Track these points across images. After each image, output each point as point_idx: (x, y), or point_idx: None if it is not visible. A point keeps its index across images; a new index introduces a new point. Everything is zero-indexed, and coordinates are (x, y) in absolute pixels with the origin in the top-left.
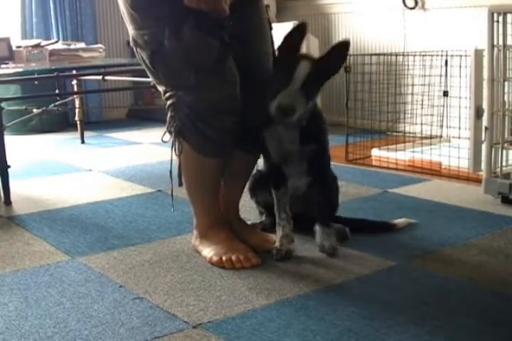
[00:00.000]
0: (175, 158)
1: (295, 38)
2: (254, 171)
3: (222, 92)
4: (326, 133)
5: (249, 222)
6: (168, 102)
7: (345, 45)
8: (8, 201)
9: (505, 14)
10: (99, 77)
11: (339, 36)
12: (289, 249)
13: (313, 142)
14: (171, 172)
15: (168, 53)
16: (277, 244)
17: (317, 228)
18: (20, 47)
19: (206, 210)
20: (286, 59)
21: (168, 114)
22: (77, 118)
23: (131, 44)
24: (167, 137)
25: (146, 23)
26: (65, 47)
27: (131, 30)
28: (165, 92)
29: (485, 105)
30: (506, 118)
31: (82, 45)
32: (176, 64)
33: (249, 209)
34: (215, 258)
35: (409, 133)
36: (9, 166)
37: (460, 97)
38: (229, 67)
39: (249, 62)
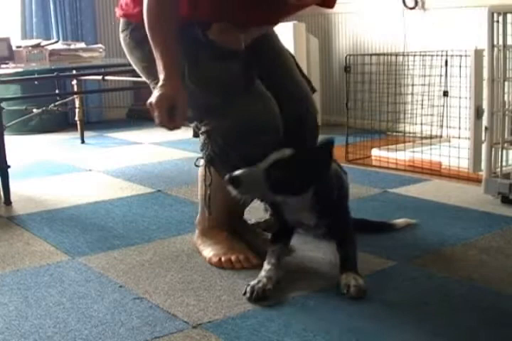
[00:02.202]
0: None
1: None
2: None
3: (257, 106)
4: (344, 204)
5: (253, 220)
6: (203, 128)
7: (329, 144)
8: (8, 201)
9: (505, 14)
10: (99, 77)
11: (339, 36)
12: (266, 288)
13: (330, 216)
14: (205, 201)
15: (188, 90)
16: (253, 282)
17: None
18: (20, 47)
19: (216, 213)
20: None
21: (202, 140)
22: (77, 118)
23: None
24: (201, 162)
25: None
26: (65, 47)
27: (150, 84)
28: (200, 121)
29: (485, 105)
30: (506, 118)
31: (82, 45)
32: (200, 98)
33: (249, 209)
34: (214, 259)
35: (409, 133)
36: (9, 166)
37: (460, 97)
38: (258, 85)
39: (278, 87)
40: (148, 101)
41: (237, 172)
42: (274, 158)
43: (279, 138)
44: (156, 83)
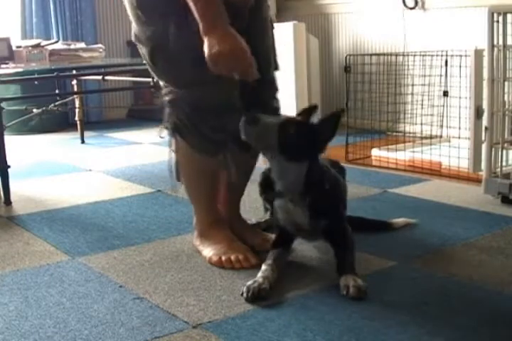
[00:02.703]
0: (173, 154)
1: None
2: (266, 167)
3: (224, 90)
4: (340, 207)
5: (253, 220)
6: (167, 98)
7: (337, 116)
8: (8, 201)
9: (505, 14)
10: (99, 77)
11: (339, 36)
12: (262, 287)
13: (324, 218)
14: (169, 168)
15: (171, 50)
16: (249, 282)
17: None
18: (20, 47)
19: (205, 208)
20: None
21: (166, 110)
22: (77, 118)
23: (133, 39)
24: (164, 133)
25: (150, 19)
26: (65, 47)
27: (134, 26)
28: (164, 87)
29: (485, 105)
30: (506, 118)
31: (82, 45)
32: (178, 60)
33: (249, 209)
34: (214, 259)
35: (409, 133)
36: (9, 166)
37: (460, 97)
38: None
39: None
40: (214, 53)
41: (260, 116)
42: (287, 117)
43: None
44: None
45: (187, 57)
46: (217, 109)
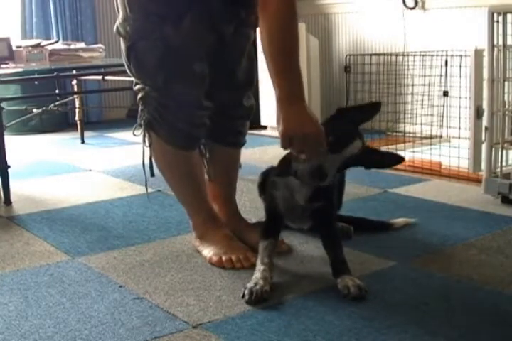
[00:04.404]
0: (147, 150)
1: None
2: (266, 168)
3: (189, 96)
4: (333, 198)
5: (253, 220)
6: (139, 95)
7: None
8: (8, 201)
9: (505, 14)
10: (99, 77)
11: (339, 36)
12: (264, 289)
13: (321, 199)
14: (143, 163)
15: (144, 50)
16: (250, 284)
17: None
18: (20, 47)
19: (194, 208)
20: (345, 125)
21: (139, 108)
22: (77, 118)
23: (114, 30)
24: (138, 131)
25: (134, 15)
26: (65, 47)
27: (118, 19)
28: (135, 84)
29: (485, 105)
30: (506, 118)
31: (82, 45)
32: (148, 62)
33: (249, 209)
34: (214, 259)
35: (409, 133)
36: (9, 166)
37: (460, 97)
38: (201, 71)
39: (231, 58)
40: (296, 133)
41: (323, 162)
42: (349, 154)
43: (209, 113)
44: (123, 20)
45: (159, 60)
46: (186, 107)
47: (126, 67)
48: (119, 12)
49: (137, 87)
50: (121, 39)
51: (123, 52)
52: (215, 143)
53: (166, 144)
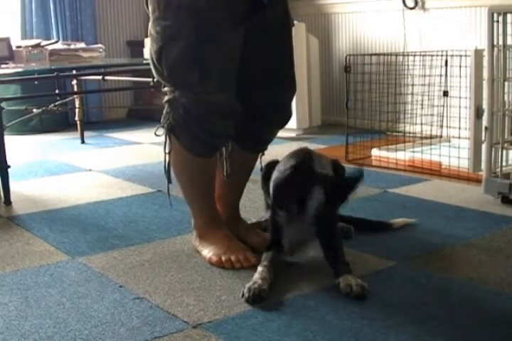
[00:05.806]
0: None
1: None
2: (269, 160)
3: (223, 95)
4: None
5: (253, 220)
6: (166, 97)
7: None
8: (8, 201)
9: (505, 14)
10: (99, 77)
11: (339, 36)
12: (262, 288)
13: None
14: (165, 168)
15: (177, 48)
16: (249, 283)
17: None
18: (20, 47)
19: (201, 209)
20: (299, 177)
21: (165, 109)
22: (77, 118)
23: (148, 34)
24: (160, 132)
25: (167, 14)
26: (65, 47)
27: (150, 19)
28: (163, 86)
29: (485, 105)
30: (506, 118)
31: (82, 45)
32: (183, 60)
33: (249, 209)
34: (214, 259)
35: (409, 133)
36: (9, 166)
37: (460, 97)
38: (233, 68)
39: (266, 54)
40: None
41: (291, 237)
42: (314, 206)
43: (236, 122)
44: (156, 19)
45: (194, 56)
46: (215, 114)
47: (153, 69)
48: (150, 11)
49: (166, 89)
50: (150, 42)
51: (152, 55)
52: (235, 144)
53: (185, 150)
